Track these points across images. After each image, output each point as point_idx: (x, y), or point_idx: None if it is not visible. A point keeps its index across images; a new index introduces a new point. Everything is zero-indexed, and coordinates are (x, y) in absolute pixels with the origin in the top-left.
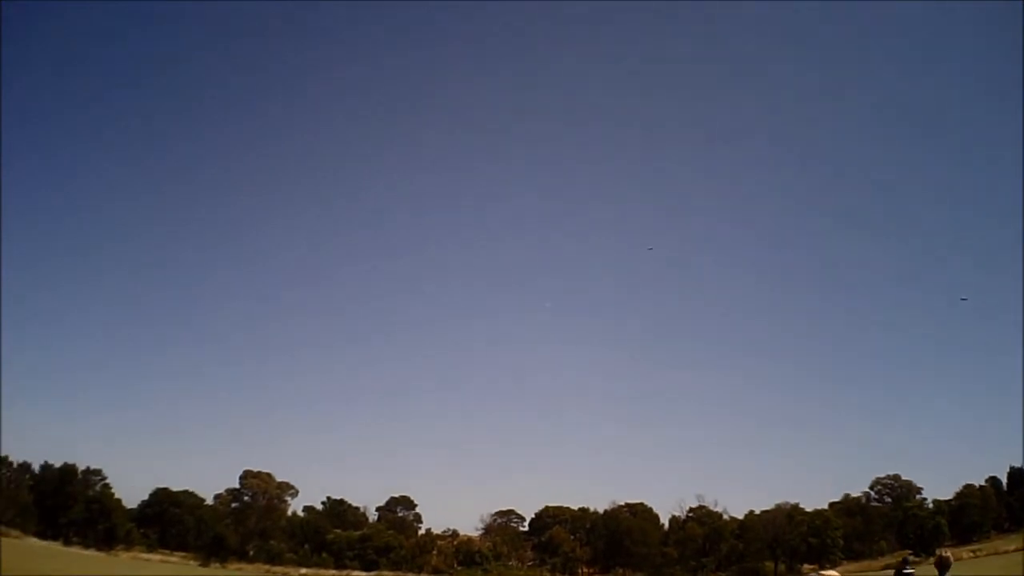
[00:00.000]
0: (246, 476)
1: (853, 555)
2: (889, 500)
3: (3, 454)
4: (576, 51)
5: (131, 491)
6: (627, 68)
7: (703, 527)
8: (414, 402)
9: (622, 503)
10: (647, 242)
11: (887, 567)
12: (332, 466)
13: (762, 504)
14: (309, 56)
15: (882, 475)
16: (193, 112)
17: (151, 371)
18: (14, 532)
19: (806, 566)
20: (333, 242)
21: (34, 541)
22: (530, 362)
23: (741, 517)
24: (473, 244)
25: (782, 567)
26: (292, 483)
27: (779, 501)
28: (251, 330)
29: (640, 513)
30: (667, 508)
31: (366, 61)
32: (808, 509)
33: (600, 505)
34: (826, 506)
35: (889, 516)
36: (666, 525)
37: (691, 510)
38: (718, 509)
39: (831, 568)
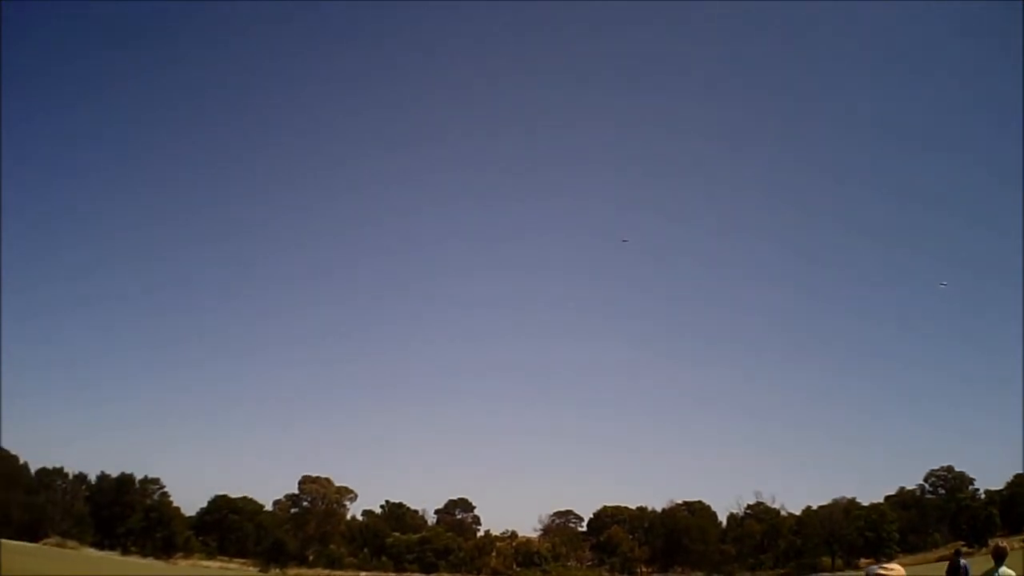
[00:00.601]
0: (304, 481)
1: (908, 548)
2: (943, 492)
3: (59, 465)
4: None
5: (189, 499)
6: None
7: (761, 523)
8: (470, 404)
9: (680, 501)
10: (680, 240)
11: (941, 559)
12: (390, 469)
13: (820, 499)
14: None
15: (935, 467)
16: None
17: (206, 379)
18: (70, 543)
19: (863, 560)
20: (370, 245)
21: (91, 551)
22: (584, 362)
23: (799, 513)
24: (511, 243)
25: (839, 562)
26: (351, 487)
27: (836, 496)
28: (303, 336)
29: (698, 511)
30: (725, 505)
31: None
32: (864, 503)
33: (658, 504)
34: (882, 499)
35: (943, 508)
36: (724, 523)
37: (749, 507)
38: (776, 505)
39: (888, 562)
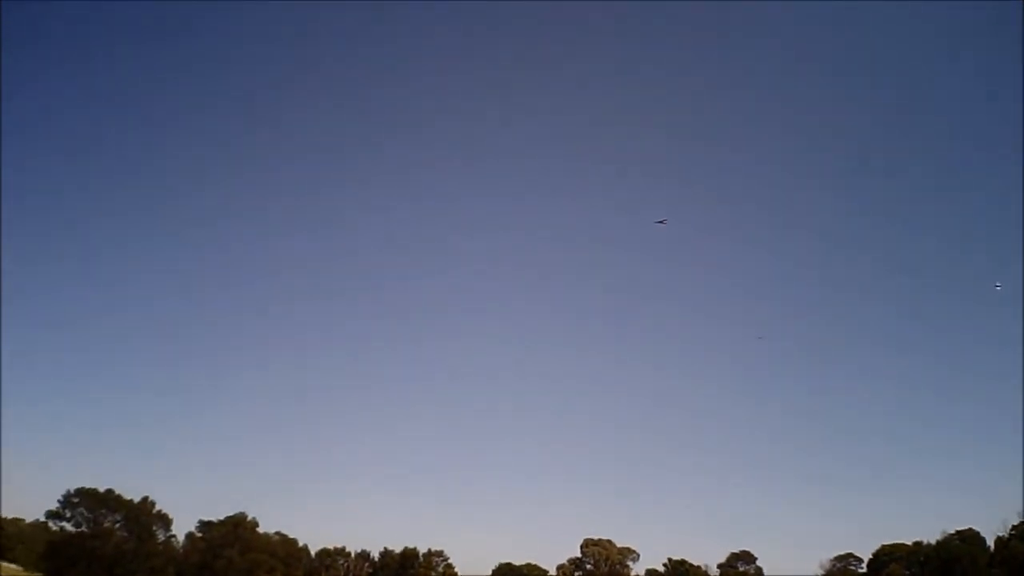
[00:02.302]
0: (587, 544)
1: None
2: None
3: (341, 545)
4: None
5: (474, 568)
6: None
7: None
8: (745, 455)
9: (952, 531)
10: None
11: None
12: (669, 527)
13: None
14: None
15: None
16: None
17: (483, 450)
18: None
19: None
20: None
21: None
22: (850, 403)
23: None
24: None
25: None
26: (632, 547)
27: None
28: (579, 406)
29: (968, 539)
30: (992, 528)
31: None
32: None
33: (932, 536)
34: None
35: None
36: (992, 547)
37: (1013, 527)
38: None
39: None
